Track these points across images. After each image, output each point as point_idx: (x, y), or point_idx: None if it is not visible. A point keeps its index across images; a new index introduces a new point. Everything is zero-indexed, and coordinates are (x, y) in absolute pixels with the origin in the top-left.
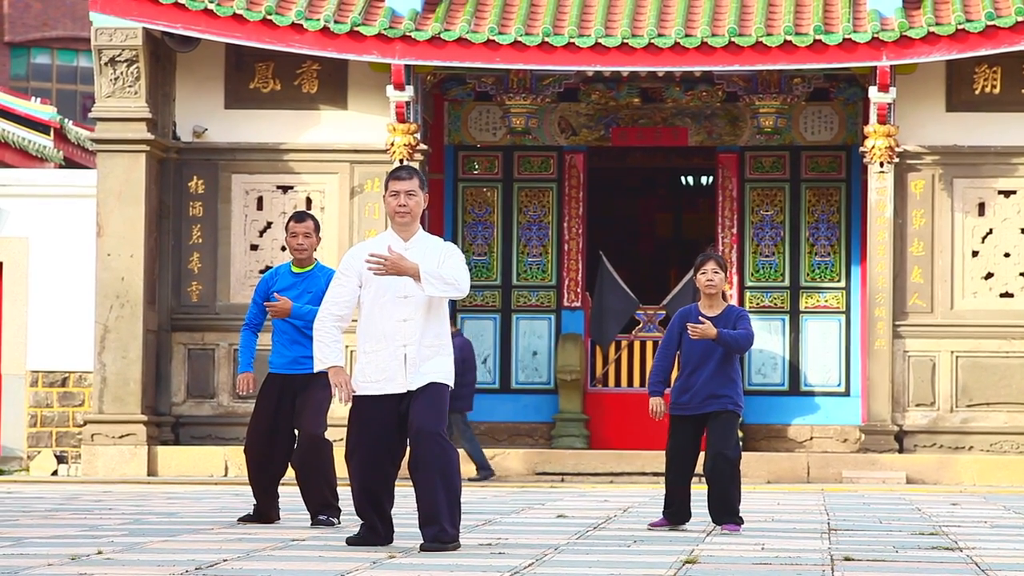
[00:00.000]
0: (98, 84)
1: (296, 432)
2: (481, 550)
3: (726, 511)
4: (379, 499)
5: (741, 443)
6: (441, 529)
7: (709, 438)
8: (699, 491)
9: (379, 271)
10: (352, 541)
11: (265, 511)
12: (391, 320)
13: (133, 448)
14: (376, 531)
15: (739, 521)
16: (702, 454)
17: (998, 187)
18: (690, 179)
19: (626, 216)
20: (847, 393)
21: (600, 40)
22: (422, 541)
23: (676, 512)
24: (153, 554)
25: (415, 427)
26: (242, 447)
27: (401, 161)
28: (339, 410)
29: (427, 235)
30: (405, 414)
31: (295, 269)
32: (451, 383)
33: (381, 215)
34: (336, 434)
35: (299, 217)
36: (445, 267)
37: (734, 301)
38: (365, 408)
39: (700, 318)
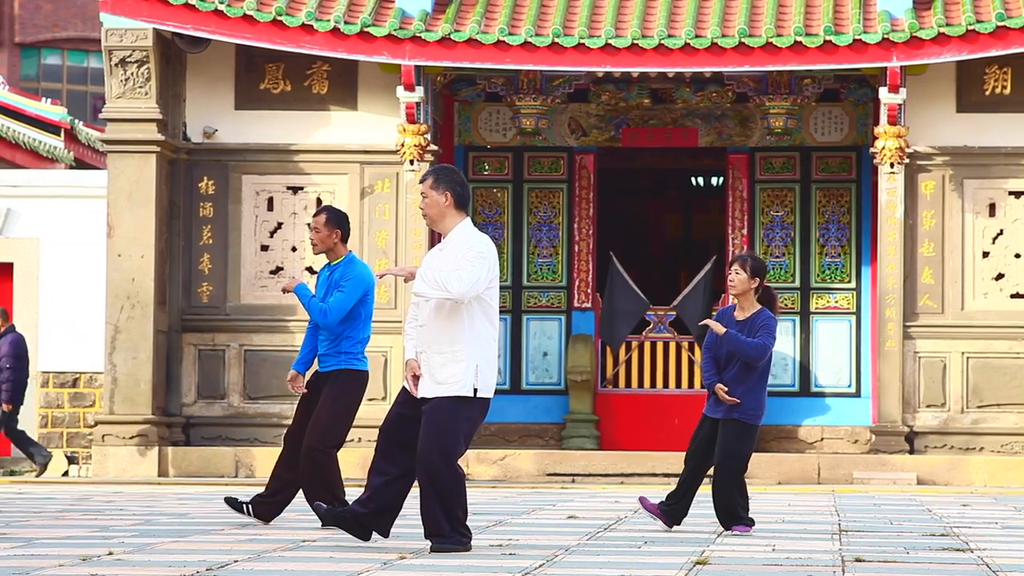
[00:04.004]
0: (108, 85)
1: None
2: (492, 551)
3: (727, 517)
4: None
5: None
6: (445, 538)
7: (716, 446)
8: (703, 491)
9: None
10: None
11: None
12: (415, 323)
13: (144, 449)
14: (368, 527)
15: (749, 522)
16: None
17: (1009, 188)
18: (700, 180)
19: (636, 217)
20: (857, 394)
21: (610, 41)
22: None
23: (672, 510)
24: (164, 555)
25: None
26: (253, 448)
27: (412, 161)
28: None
29: (464, 234)
30: None
31: (328, 262)
32: (462, 391)
33: (391, 215)
34: (355, 434)
35: (316, 212)
36: (459, 266)
37: None
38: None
39: (734, 318)
